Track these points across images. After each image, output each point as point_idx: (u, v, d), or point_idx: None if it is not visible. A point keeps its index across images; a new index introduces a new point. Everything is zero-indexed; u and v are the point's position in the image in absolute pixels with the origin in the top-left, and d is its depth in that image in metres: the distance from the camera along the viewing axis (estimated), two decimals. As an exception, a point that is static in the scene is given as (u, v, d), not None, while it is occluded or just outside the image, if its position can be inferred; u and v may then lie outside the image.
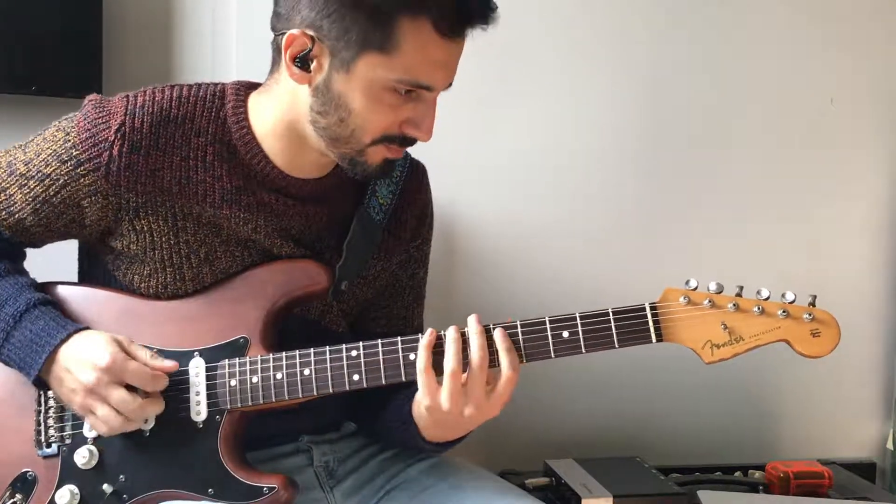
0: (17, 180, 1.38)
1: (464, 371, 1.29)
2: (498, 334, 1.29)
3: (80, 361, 1.30)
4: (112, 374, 1.30)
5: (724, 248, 2.18)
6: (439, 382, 1.28)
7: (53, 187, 1.36)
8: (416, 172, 1.54)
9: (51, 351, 1.32)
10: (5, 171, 1.40)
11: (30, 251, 1.48)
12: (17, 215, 1.39)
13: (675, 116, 2.17)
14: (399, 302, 1.56)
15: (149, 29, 1.96)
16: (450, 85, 1.34)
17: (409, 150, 1.43)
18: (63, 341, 1.32)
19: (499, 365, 1.29)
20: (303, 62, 1.29)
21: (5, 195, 1.39)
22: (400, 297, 1.55)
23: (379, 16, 1.23)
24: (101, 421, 1.31)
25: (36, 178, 1.36)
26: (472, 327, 1.29)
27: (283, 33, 1.29)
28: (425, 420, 1.33)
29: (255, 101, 1.39)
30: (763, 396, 2.24)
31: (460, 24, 1.27)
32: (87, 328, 1.36)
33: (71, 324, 1.35)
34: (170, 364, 1.33)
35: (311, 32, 1.27)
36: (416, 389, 1.31)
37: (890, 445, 2.27)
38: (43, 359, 1.32)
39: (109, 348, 1.30)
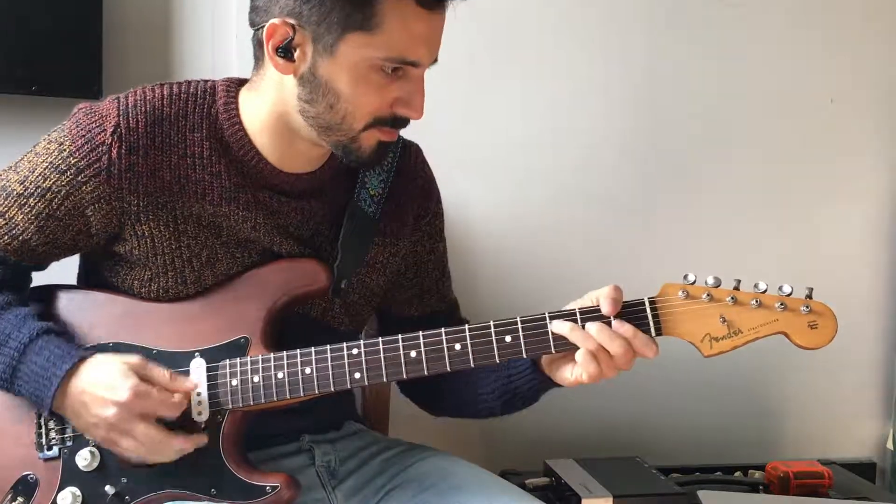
0: (15, 201, 1.36)
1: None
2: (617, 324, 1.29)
3: (97, 397, 1.28)
4: (133, 410, 1.28)
5: (724, 248, 2.18)
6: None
7: (56, 200, 1.34)
8: (409, 153, 1.53)
9: (59, 383, 1.29)
10: (0, 196, 1.37)
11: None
12: (20, 237, 1.36)
13: (676, 116, 2.18)
14: (426, 279, 1.55)
15: (149, 29, 1.96)
16: (435, 60, 1.32)
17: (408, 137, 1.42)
18: (70, 372, 1.30)
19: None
20: (286, 52, 1.28)
21: (4, 219, 1.36)
22: (426, 274, 1.55)
23: None
24: (128, 452, 1.30)
25: (35, 194, 1.34)
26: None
27: (263, 26, 1.29)
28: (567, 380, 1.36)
29: (244, 97, 1.39)
30: (763, 396, 2.24)
31: None
32: (95, 354, 1.33)
33: (76, 351, 1.32)
34: (190, 384, 1.32)
35: (291, 20, 1.26)
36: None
37: (890, 445, 2.27)
38: (52, 392, 1.29)
39: (127, 381, 1.28)
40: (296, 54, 1.28)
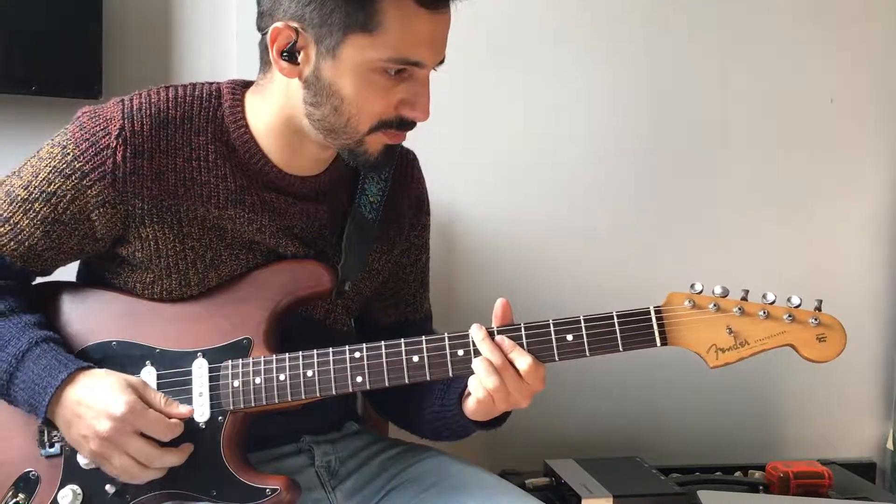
0: (20, 206, 1.35)
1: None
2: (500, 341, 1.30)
3: (93, 409, 1.27)
4: (129, 424, 1.27)
5: (724, 248, 2.18)
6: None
7: (61, 205, 1.33)
8: (406, 161, 1.53)
9: (53, 392, 1.28)
10: (5, 201, 1.36)
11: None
12: (26, 243, 1.36)
13: (676, 116, 2.17)
14: (405, 289, 1.56)
15: (148, 29, 1.96)
16: (441, 62, 1.32)
17: (405, 143, 1.42)
18: (66, 382, 1.29)
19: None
20: (290, 55, 1.28)
21: (9, 225, 1.35)
22: (405, 285, 1.56)
23: None
24: (118, 469, 1.29)
25: (40, 199, 1.33)
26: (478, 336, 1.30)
27: (268, 30, 1.29)
28: (472, 410, 1.33)
29: (250, 100, 1.39)
30: (763, 396, 2.24)
31: None
32: (91, 367, 1.32)
33: (73, 362, 1.32)
34: (185, 410, 1.32)
35: (294, 24, 1.26)
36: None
37: (890, 445, 2.28)
38: (47, 401, 1.29)
39: (125, 396, 1.27)
40: (300, 57, 1.28)
